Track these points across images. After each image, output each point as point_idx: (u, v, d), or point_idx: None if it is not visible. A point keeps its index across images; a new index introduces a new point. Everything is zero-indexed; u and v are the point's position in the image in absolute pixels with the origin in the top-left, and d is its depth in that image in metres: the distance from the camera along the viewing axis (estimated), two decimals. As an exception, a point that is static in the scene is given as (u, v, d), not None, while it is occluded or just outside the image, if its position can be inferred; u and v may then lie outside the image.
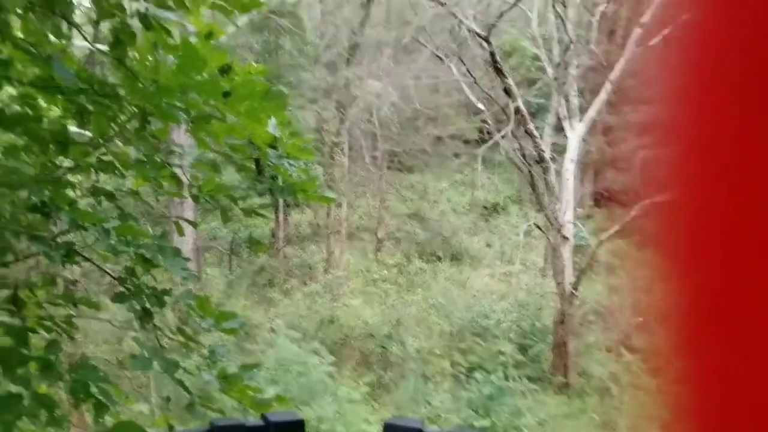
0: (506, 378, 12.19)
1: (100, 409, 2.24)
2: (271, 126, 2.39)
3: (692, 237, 0.51)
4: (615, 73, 13.32)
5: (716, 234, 0.49)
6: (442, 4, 12.63)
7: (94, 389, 2.23)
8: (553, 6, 13.64)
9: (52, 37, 2.47)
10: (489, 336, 13.84)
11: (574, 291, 12.73)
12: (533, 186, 13.81)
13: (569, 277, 12.86)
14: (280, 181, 2.61)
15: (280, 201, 17.51)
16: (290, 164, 2.54)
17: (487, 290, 15.82)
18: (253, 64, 2.50)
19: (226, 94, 2.15)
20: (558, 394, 12.67)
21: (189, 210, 13.26)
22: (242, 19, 12.51)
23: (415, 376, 12.82)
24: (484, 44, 12.71)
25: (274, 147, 2.52)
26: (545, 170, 13.34)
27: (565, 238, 13.09)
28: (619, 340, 13.67)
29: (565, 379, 12.76)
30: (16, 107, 2.72)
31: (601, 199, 23.01)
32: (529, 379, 12.83)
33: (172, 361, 2.33)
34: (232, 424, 0.66)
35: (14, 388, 2.22)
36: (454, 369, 13.32)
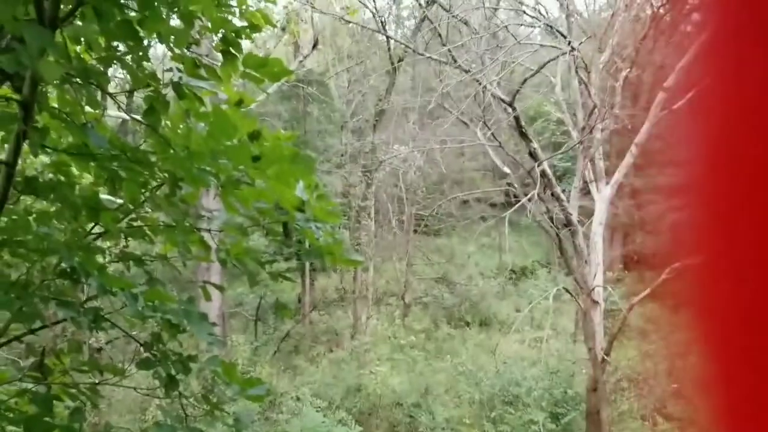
0: (539, 448, 11.80)
1: (122, 479, 2.19)
2: (299, 190, 2.40)
3: (724, 301, 0.49)
4: (640, 137, 13.32)
5: (749, 297, 0.46)
6: (467, 71, 12.84)
7: (117, 459, 2.18)
8: (576, 72, 13.80)
9: (87, 107, 2.54)
10: (520, 404, 13.47)
11: (606, 357, 12.39)
12: (561, 249, 13.67)
13: (600, 342, 12.55)
14: (306, 244, 2.61)
15: (306, 266, 17.54)
16: (317, 227, 2.54)
17: (517, 357, 15.50)
18: (282, 131, 2.54)
19: (256, 159, 2.17)
20: (593, 464, 12.20)
21: (216, 275, 13.32)
22: (271, 88, 12.84)
23: (445, 446, 12.48)
24: (509, 109, 12.84)
25: (301, 210, 2.53)
26: (573, 233, 13.22)
27: (595, 302, 12.85)
28: (654, 407, 13.22)
29: (599, 450, 12.30)
30: (50, 175, 2.78)
31: (631, 262, 22.71)
32: (563, 449, 12.43)
33: (196, 429, 2.28)
34: None
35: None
36: (484, 439, 12.94)
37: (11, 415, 2.48)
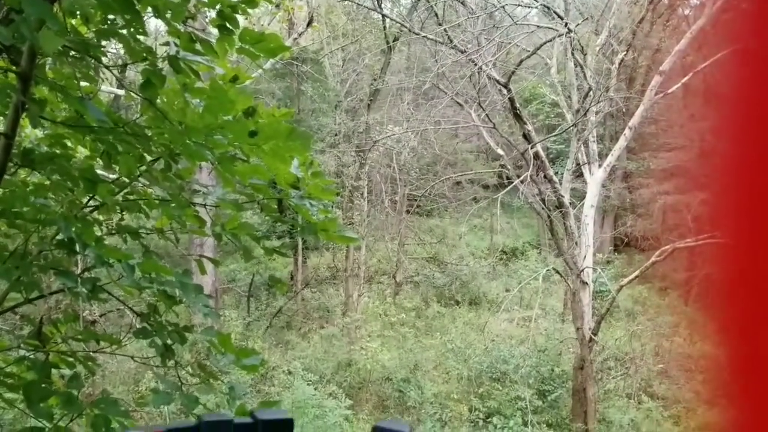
0: (524, 424, 11.99)
1: (119, 444, 2.25)
2: (294, 167, 2.44)
3: (738, 282, 0.49)
4: (635, 120, 13.37)
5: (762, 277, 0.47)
6: (463, 52, 12.82)
7: (114, 424, 2.25)
8: (572, 54, 13.80)
9: (82, 81, 2.56)
10: (507, 381, 13.67)
11: (593, 336, 12.56)
12: (552, 231, 13.78)
13: (589, 322, 12.72)
14: (300, 220, 2.65)
15: (299, 243, 17.60)
16: (312, 204, 2.58)
17: (506, 335, 15.69)
18: (276, 109, 2.57)
19: (253, 134, 2.21)
20: (577, 441, 12.44)
21: (209, 251, 13.37)
22: (265, 66, 12.80)
23: (432, 420, 12.66)
24: (504, 91, 12.85)
25: (296, 187, 2.57)
26: (564, 215, 13.32)
27: (585, 283, 12.99)
28: (639, 386, 13.43)
29: (584, 426, 12.50)
30: (45, 147, 2.81)
31: (621, 244, 22.89)
32: (548, 425, 12.61)
33: (192, 397, 2.34)
34: (220, 419, 0.67)
35: (36, 422, 2.25)
36: (471, 414, 13.12)
37: (10, 381, 2.53)
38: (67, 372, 2.72)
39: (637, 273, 12.65)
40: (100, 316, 9.74)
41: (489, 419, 12.63)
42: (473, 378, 13.97)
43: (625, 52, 15.06)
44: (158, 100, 2.46)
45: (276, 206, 3.21)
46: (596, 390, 12.93)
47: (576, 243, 13.23)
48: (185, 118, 2.35)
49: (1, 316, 2.90)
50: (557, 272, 14.76)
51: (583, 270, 12.98)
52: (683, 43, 12.42)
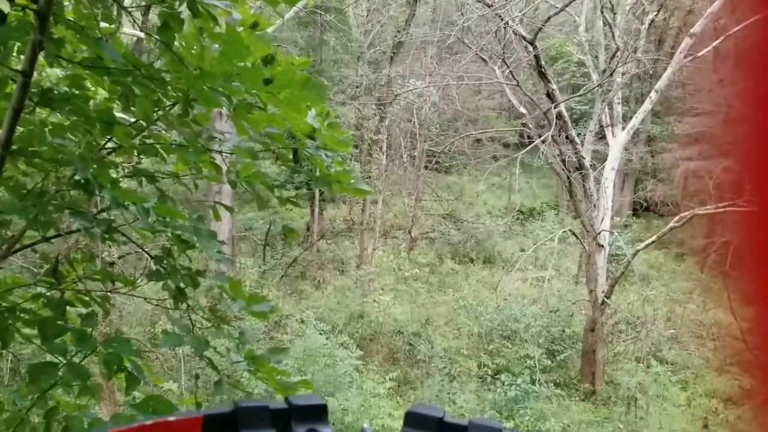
0: (532, 382, 12.12)
1: (131, 382, 2.31)
2: (310, 117, 2.43)
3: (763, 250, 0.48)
4: (661, 83, 13.09)
5: None
6: (489, 6, 12.57)
7: (126, 363, 2.30)
8: (602, 12, 13.48)
9: (102, 23, 2.54)
10: (517, 339, 13.78)
11: (606, 299, 12.58)
12: (571, 192, 13.69)
13: (602, 285, 12.72)
14: (316, 172, 2.65)
15: (316, 195, 17.65)
16: (327, 155, 2.58)
17: (519, 294, 15.74)
18: (296, 57, 2.54)
19: (267, 81, 2.20)
20: (584, 401, 12.57)
21: (226, 199, 13.45)
22: (288, 14, 12.64)
23: (441, 374, 12.84)
24: (530, 48, 12.62)
25: (312, 138, 2.57)
26: (584, 177, 13.21)
27: (600, 246, 12.95)
28: (649, 350, 13.49)
29: (592, 387, 12.64)
30: (64, 88, 2.81)
31: (640, 209, 22.70)
32: (556, 384, 12.74)
33: (202, 339, 2.38)
34: (256, 405, 0.69)
35: (50, 358, 2.31)
36: (480, 370, 13.29)
37: (27, 317, 2.59)
38: (84, 311, 2.78)
39: (654, 238, 12.59)
40: (119, 257, 9.90)
41: (497, 376, 12.79)
42: (484, 335, 14.09)
43: (656, 13, 14.67)
44: (177, 45, 2.44)
45: (291, 156, 3.21)
46: (606, 352, 13.02)
47: (594, 205, 13.15)
48: (203, 63, 2.33)
49: (20, 253, 2.94)
50: (573, 234, 14.72)
51: (599, 233, 12.93)
52: (716, 5, 12.06)
